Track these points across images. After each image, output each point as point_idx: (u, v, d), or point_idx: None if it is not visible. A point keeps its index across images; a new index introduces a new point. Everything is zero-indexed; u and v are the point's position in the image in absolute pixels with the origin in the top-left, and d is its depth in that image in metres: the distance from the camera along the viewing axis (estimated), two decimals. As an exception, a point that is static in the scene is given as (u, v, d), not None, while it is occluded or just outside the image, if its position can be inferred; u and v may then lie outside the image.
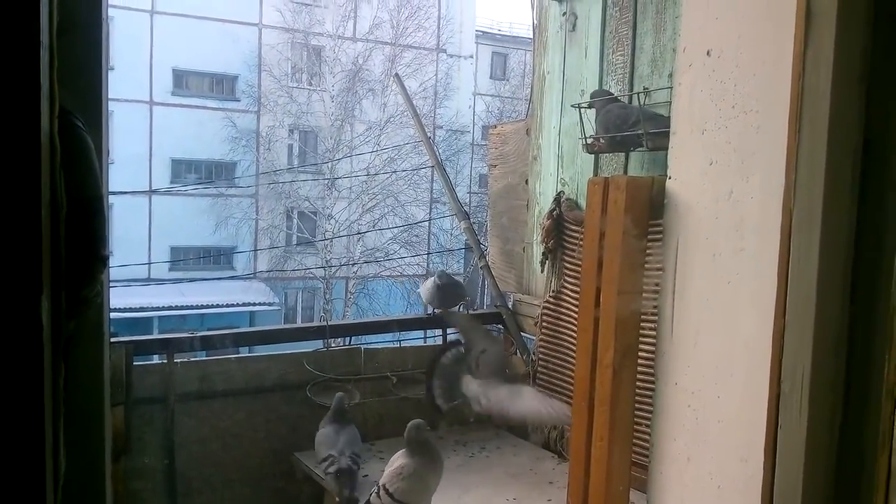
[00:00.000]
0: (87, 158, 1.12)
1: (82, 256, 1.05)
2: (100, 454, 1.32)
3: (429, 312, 3.50)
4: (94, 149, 1.13)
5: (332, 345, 3.32)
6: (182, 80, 20.27)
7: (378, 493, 2.36)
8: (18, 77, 0.79)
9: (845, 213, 1.20)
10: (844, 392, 1.19)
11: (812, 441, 1.19)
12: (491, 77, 24.26)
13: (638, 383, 1.61)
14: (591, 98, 2.81)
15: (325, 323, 3.25)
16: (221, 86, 20.95)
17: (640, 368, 1.61)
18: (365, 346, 3.34)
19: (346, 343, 3.56)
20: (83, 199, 1.07)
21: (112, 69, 18.82)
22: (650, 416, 1.59)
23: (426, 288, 3.32)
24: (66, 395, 0.83)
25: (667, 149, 1.62)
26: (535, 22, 3.44)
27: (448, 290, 3.28)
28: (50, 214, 0.84)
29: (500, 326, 3.60)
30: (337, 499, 2.60)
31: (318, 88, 20.78)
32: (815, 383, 1.19)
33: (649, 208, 1.54)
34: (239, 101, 20.71)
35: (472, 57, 23.24)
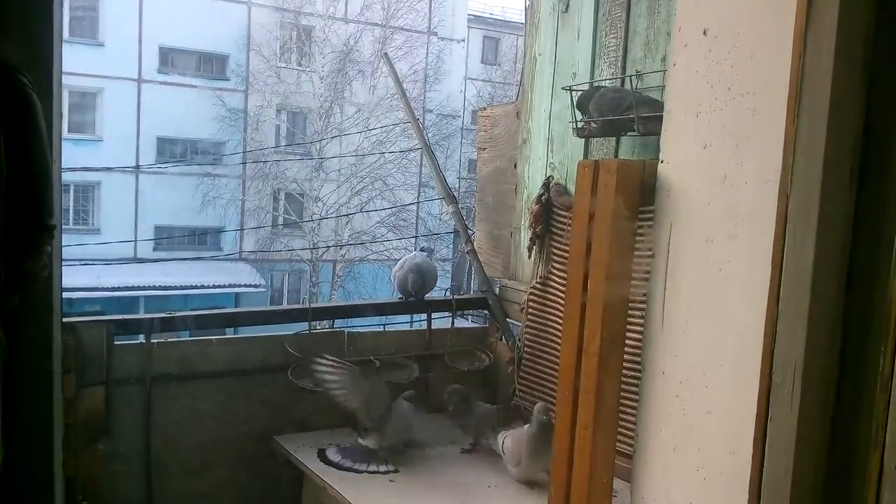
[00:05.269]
0: (33, 118, 1.02)
1: (25, 225, 0.96)
2: (48, 436, 1.26)
3: (411, 297, 3.44)
4: (40, 110, 1.04)
5: (317, 328, 3.26)
6: (169, 58, 19.99)
7: None
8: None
9: (843, 199, 1.16)
10: (837, 385, 1.16)
11: (803, 434, 1.15)
12: (482, 62, 24.09)
13: (624, 372, 1.57)
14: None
15: (307, 305, 3.19)
16: (211, 64, 20.68)
17: (626, 357, 1.57)
18: (348, 330, 3.28)
19: (330, 326, 3.51)
20: (27, 163, 0.98)
21: (102, 45, 18.62)
22: (636, 405, 1.55)
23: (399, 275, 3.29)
24: (12, 374, 0.77)
25: (659, 133, 1.58)
26: (528, 2, 3.37)
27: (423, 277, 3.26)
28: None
29: (486, 312, 3.56)
30: None
31: (308, 69, 20.56)
32: (808, 375, 1.15)
33: (640, 192, 1.50)
34: (228, 80, 20.46)
35: (463, 41, 23.04)
